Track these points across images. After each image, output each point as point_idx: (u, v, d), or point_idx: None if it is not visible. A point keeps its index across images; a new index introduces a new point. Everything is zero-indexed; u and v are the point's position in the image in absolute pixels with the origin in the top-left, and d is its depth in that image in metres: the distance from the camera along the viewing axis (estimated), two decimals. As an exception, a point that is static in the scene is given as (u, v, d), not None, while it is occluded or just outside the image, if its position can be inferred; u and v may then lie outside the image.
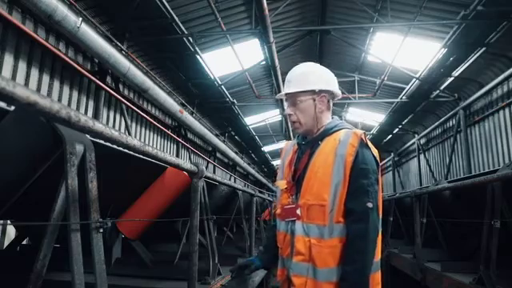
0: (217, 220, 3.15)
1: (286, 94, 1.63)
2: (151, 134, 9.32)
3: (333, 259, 1.38)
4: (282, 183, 1.61)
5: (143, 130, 8.91)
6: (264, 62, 10.23)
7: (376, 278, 1.44)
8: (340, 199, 1.41)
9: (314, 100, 1.58)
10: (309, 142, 1.61)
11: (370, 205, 1.38)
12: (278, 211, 1.61)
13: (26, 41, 5.13)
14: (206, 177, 2.11)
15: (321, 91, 1.58)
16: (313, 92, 1.57)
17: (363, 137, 1.48)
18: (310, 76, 1.61)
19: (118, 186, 2.29)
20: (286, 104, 1.69)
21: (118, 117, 7.73)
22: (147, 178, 2.59)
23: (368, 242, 1.36)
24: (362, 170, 1.42)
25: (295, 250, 1.45)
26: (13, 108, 1.36)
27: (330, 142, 1.51)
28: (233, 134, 16.22)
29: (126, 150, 1.45)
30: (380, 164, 1.53)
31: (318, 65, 1.71)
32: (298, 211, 1.47)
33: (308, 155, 1.55)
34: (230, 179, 14.47)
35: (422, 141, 14.48)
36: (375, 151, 1.51)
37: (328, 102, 1.62)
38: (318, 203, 1.43)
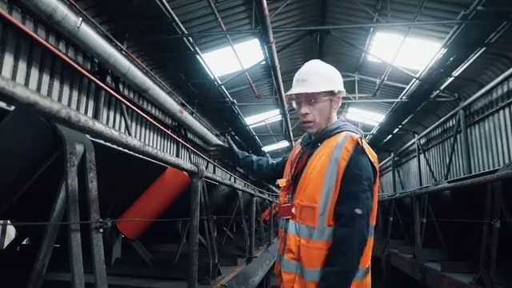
0: (217, 220, 3.15)
1: (301, 93, 1.55)
2: (151, 133, 9.33)
3: (319, 260, 1.39)
4: (282, 181, 1.63)
5: (143, 129, 8.91)
6: (264, 62, 10.23)
7: (364, 285, 1.45)
8: (331, 203, 1.41)
9: (331, 100, 1.56)
10: (309, 143, 1.60)
11: (358, 211, 1.36)
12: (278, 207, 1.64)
13: (26, 41, 5.13)
14: (206, 177, 2.11)
15: (339, 92, 1.57)
16: (330, 92, 1.55)
17: (360, 141, 1.44)
18: (327, 75, 1.58)
19: (118, 186, 2.29)
20: (294, 103, 1.63)
21: (117, 117, 7.72)
22: (147, 178, 2.60)
23: (352, 246, 1.35)
24: (355, 175, 1.40)
25: (287, 248, 1.48)
26: (13, 108, 1.36)
27: (328, 145, 1.50)
28: (233, 133, 16.23)
29: (126, 150, 1.45)
30: (378, 169, 1.49)
31: (326, 63, 1.66)
32: (293, 210, 1.49)
33: (307, 156, 1.55)
34: (229, 179, 14.47)
35: (422, 141, 14.48)
36: (373, 156, 1.47)
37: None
38: (310, 205, 1.43)
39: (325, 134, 1.55)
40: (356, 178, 1.40)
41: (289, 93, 1.59)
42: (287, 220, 1.52)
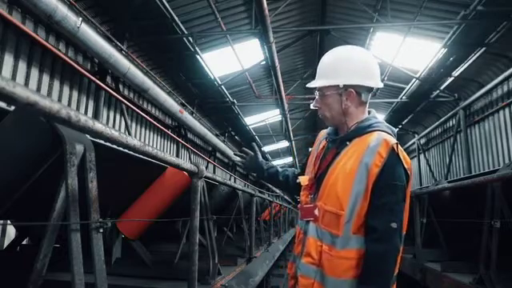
0: (217, 220, 3.15)
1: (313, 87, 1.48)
2: (151, 134, 9.32)
3: (344, 270, 1.28)
4: (304, 179, 1.49)
5: (143, 129, 8.91)
6: (264, 62, 10.23)
7: None
8: (359, 211, 1.28)
9: (341, 95, 1.41)
10: (336, 140, 1.46)
11: (394, 225, 1.25)
12: (299, 207, 1.51)
13: (26, 41, 5.13)
14: (206, 177, 2.11)
15: (346, 86, 1.40)
16: (338, 87, 1.40)
17: (395, 147, 1.30)
18: (338, 67, 1.42)
19: (118, 186, 2.28)
20: (316, 93, 1.51)
21: (117, 117, 7.72)
22: (147, 177, 2.59)
23: (388, 263, 1.27)
24: (390, 186, 1.27)
25: (305, 251, 1.38)
26: (13, 108, 1.36)
27: (358, 145, 1.35)
28: (233, 133, 16.22)
29: (126, 150, 1.45)
30: (411, 175, 1.35)
31: (358, 50, 1.48)
32: (316, 211, 1.37)
33: (333, 155, 1.41)
34: (229, 179, 14.47)
35: (422, 141, 14.49)
36: (408, 163, 1.33)
37: (359, 96, 1.42)
38: (335, 211, 1.31)
39: (355, 132, 1.40)
40: (391, 189, 1.28)
41: (307, 85, 1.52)
42: (307, 222, 1.41)
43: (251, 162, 1.81)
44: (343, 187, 1.31)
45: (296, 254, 1.47)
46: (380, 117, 1.55)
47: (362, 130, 1.39)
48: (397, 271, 1.37)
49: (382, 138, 1.32)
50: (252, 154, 1.81)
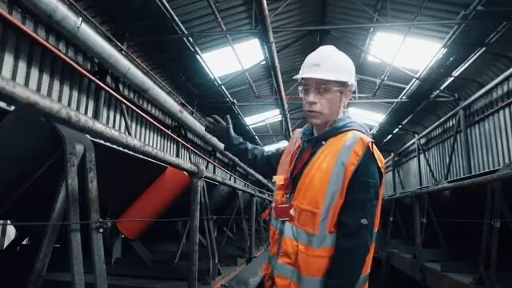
0: (217, 220, 3.15)
1: (311, 79, 1.40)
2: (151, 133, 9.32)
3: (319, 269, 1.29)
4: (279, 178, 1.48)
5: (143, 130, 8.91)
6: (264, 62, 10.24)
7: None
8: (334, 209, 1.30)
9: (341, 93, 1.41)
10: (312, 140, 1.45)
11: (364, 221, 1.27)
12: (273, 206, 1.49)
13: (26, 41, 5.13)
14: (206, 177, 2.12)
15: (350, 85, 1.43)
16: (342, 84, 1.40)
17: (370, 145, 1.32)
18: (341, 64, 1.43)
19: (118, 186, 2.29)
20: (300, 88, 1.46)
21: (118, 117, 7.72)
22: (147, 177, 2.60)
23: (355, 259, 1.28)
24: (363, 183, 1.30)
25: (282, 251, 1.37)
26: (13, 108, 1.36)
27: (333, 145, 1.36)
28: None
29: (126, 150, 1.45)
30: (384, 173, 1.38)
31: (340, 51, 1.50)
32: (292, 211, 1.37)
33: (309, 154, 1.41)
34: (229, 179, 14.47)
35: (422, 141, 14.49)
36: (381, 161, 1.36)
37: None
38: (311, 210, 1.32)
39: (330, 132, 1.41)
40: (363, 186, 1.30)
41: (298, 76, 1.43)
42: (283, 222, 1.40)
43: (221, 131, 1.79)
44: (320, 186, 1.32)
45: (271, 255, 1.46)
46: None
47: (338, 129, 1.40)
48: (368, 271, 1.38)
49: (357, 137, 1.34)
50: (225, 124, 1.78)
